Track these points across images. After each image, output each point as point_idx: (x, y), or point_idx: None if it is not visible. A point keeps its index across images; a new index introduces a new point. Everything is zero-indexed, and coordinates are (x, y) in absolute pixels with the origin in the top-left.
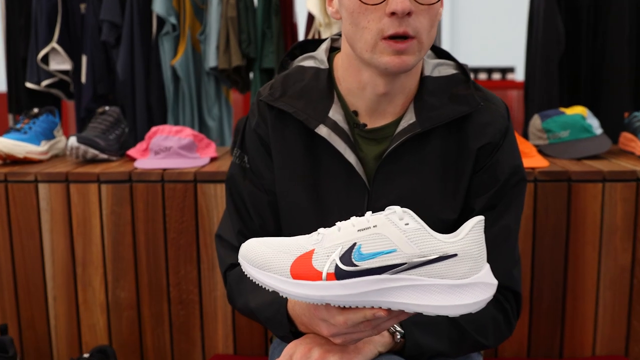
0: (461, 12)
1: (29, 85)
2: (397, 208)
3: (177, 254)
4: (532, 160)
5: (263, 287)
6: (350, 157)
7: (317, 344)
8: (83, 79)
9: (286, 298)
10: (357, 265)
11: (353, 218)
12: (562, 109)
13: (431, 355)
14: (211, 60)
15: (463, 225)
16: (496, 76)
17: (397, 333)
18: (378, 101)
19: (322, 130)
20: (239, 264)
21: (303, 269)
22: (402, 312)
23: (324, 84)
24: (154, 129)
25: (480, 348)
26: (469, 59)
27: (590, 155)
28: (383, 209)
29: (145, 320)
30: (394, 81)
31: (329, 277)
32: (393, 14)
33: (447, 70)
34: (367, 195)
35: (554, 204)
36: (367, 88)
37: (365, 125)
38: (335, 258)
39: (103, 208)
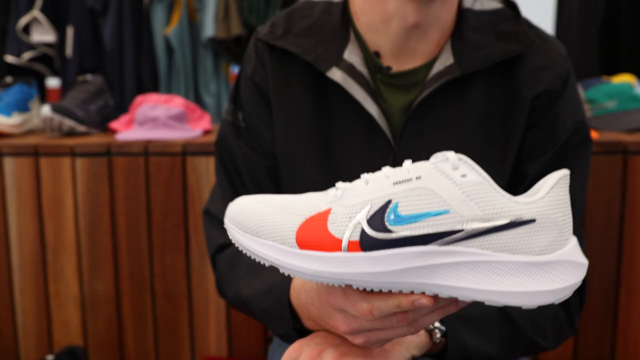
0: None
1: (8, 58)
2: (450, 154)
3: (162, 240)
4: None
5: (257, 260)
6: (371, 107)
7: (331, 344)
8: (68, 52)
9: (288, 284)
10: (391, 232)
11: (386, 168)
12: (606, 78)
13: None
14: (209, 29)
15: (541, 182)
16: None
17: (437, 330)
18: (407, 36)
19: (336, 74)
20: (229, 244)
21: (314, 236)
22: (453, 301)
23: (338, 20)
24: (140, 97)
25: (536, 351)
26: None
27: None
28: None
29: (125, 316)
30: (427, 8)
31: (351, 246)
32: None
33: (491, 4)
34: (392, 156)
35: (606, 180)
36: (393, 20)
37: (389, 68)
38: (361, 220)
39: (77, 186)
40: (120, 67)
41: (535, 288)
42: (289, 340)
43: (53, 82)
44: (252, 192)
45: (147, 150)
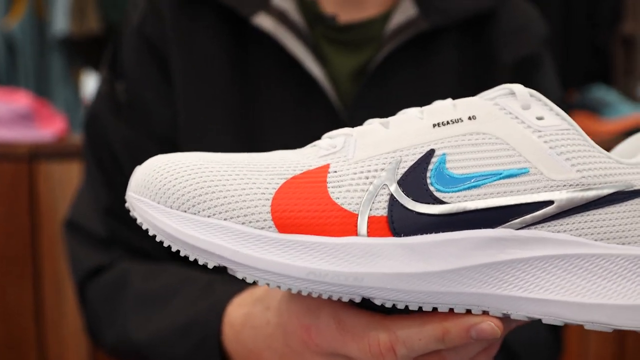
0: None
1: None
2: (517, 86)
3: (3, 270)
4: None
5: (192, 257)
6: (313, 67)
7: None
8: None
9: (219, 317)
10: (442, 201)
11: (412, 109)
12: None
13: None
14: (59, 22)
15: (636, 137)
16: None
17: None
18: None
19: (265, 22)
20: (107, 266)
21: (307, 208)
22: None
23: None
24: None
25: None
26: None
27: None
28: None
29: None
30: None
31: (374, 227)
32: None
33: None
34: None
35: None
36: None
37: (333, 18)
38: (387, 182)
39: None
40: None
41: None
42: None
43: None
44: None
45: None
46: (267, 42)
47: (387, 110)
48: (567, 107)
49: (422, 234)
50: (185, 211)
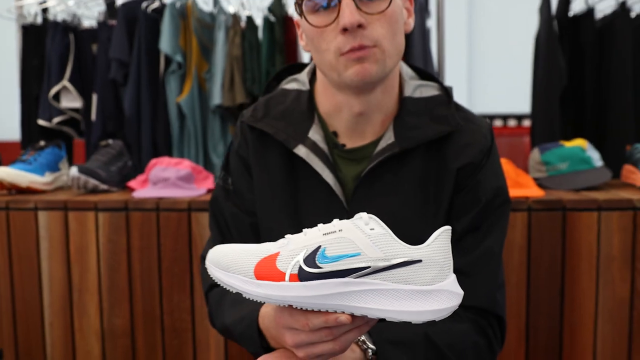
0: (478, 62)
1: (40, 122)
2: (363, 214)
3: (171, 282)
4: (528, 190)
5: (228, 288)
6: (329, 177)
7: (286, 357)
8: (93, 116)
9: (257, 312)
10: (320, 268)
11: (320, 224)
12: (562, 142)
13: None
14: (216, 97)
15: (431, 236)
16: (511, 122)
17: (369, 350)
18: (355, 122)
19: (301, 151)
20: (216, 284)
21: (267, 270)
22: (365, 322)
23: (305, 106)
24: (153, 160)
25: None
26: (486, 105)
27: (589, 186)
28: None
29: (139, 348)
30: (368, 99)
31: (291, 278)
32: (345, 30)
33: (429, 91)
34: (345, 217)
35: (548, 233)
36: (343, 109)
37: (344, 145)
38: (299, 260)
39: (100, 236)
40: (138, 131)
41: (421, 308)
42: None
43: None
44: (237, 242)
45: (158, 207)
46: (305, 160)
47: (373, 201)
48: (502, 193)
49: (311, 280)
50: (223, 270)
